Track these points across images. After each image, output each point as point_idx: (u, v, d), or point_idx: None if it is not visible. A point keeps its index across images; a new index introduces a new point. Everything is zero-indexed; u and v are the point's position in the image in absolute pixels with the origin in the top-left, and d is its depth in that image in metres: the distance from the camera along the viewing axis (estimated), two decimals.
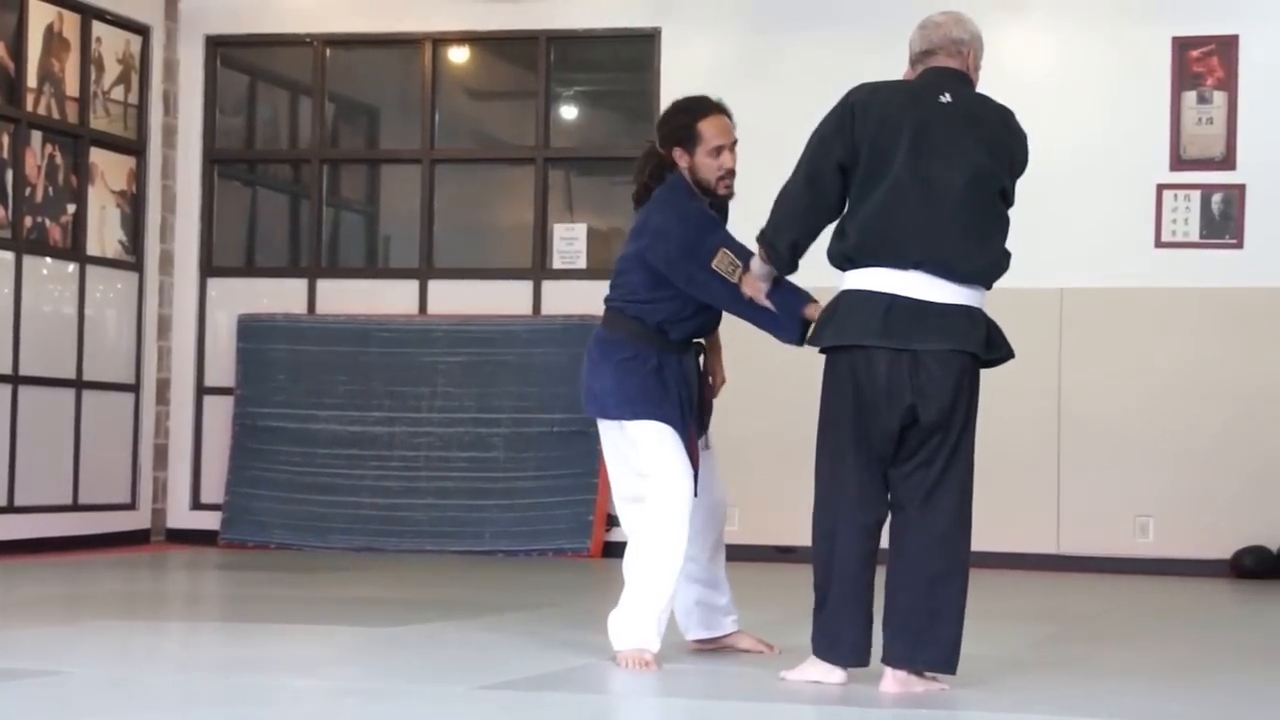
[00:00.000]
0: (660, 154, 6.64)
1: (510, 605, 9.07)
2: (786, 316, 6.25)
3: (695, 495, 6.42)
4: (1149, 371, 12.59)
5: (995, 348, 5.82)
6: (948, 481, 5.74)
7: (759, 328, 6.38)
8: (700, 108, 6.63)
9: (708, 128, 6.55)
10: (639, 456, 6.44)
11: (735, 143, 6.62)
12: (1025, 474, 12.60)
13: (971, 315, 5.73)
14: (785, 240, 5.92)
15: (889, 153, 5.74)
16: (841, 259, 5.82)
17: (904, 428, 5.73)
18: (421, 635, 7.49)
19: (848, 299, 5.79)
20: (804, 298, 6.27)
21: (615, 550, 12.37)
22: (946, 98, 5.83)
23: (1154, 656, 7.33)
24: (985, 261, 5.75)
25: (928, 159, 5.73)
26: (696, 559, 6.62)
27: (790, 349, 6.42)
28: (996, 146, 5.84)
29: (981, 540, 11.98)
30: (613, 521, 12.91)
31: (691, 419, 6.53)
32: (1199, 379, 12.50)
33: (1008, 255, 5.84)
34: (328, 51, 14.29)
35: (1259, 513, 12.32)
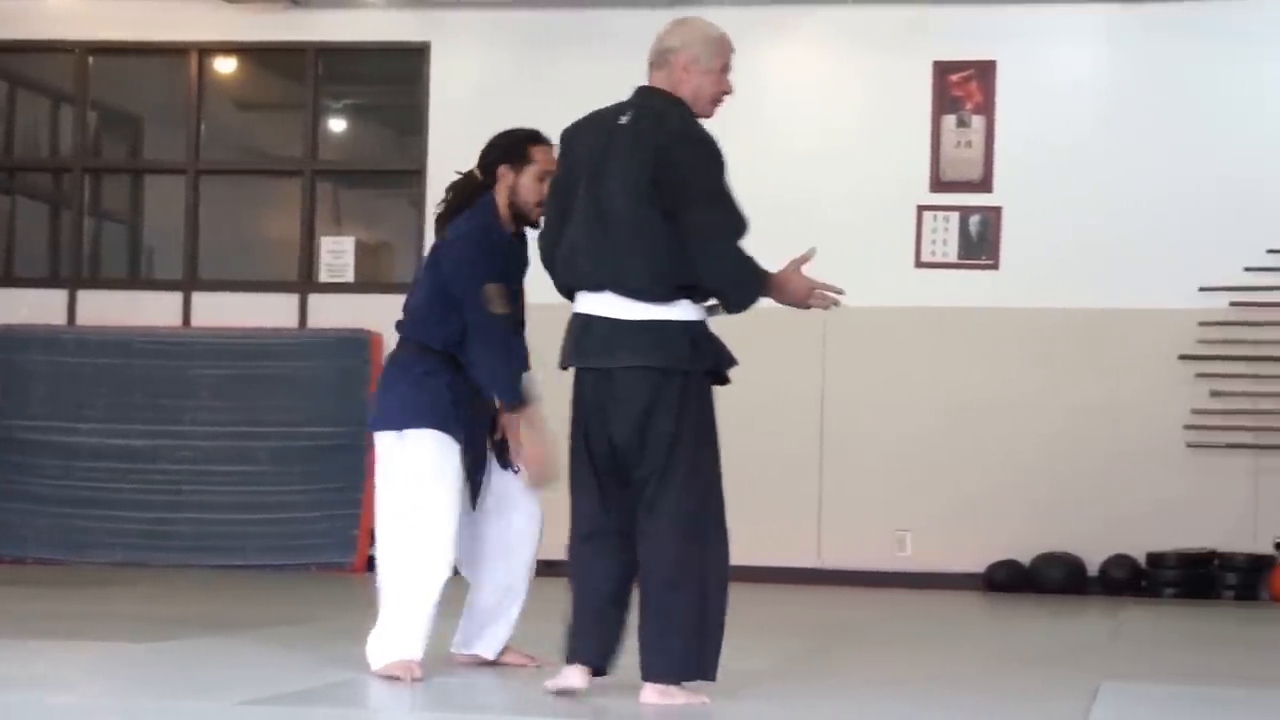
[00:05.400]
0: (476, 180, 6.70)
1: (272, 620, 9.00)
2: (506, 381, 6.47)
3: (474, 509, 6.55)
4: (909, 389, 12.84)
5: (697, 358, 5.78)
6: (665, 492, 5.76)
7: (476, 376, 6.51)
8: (537, 135, 6.73)
9: (540, 153, 6.65)
10: (410, 464, 6.46)
11: None
12: (787, 488, 12.79)
13: (663, 329, 5.75)
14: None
15: (575, 185, 5.90)
16: (560, 291, 6.00)
17: (620, 443, 5.79)
18: (181, 651, 7.41)
19: (569, 323, 5.96)
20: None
21: None
22: (624, 119, 5.88)
23: (909, 667, 7.48)
24: (655, 275, 5.74)
25: (600, 184, 5.83)
26: (484, 586, 6.70)
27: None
28: (651, 156, 5.79)
29: (742, 554, 12.13)
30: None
31: (488, 440, 6.60)
32: (956, 396, 12.78)
33: (677, 260, 5.74)
34: (91, 59, 14.07)
35: (1011, 527, 12.63)
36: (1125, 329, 12.70)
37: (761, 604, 10.68)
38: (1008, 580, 12.54)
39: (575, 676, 5.86)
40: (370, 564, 12.74)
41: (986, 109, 12.94)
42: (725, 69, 6.00)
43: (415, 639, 6.37)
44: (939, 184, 12.94)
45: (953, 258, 12.91)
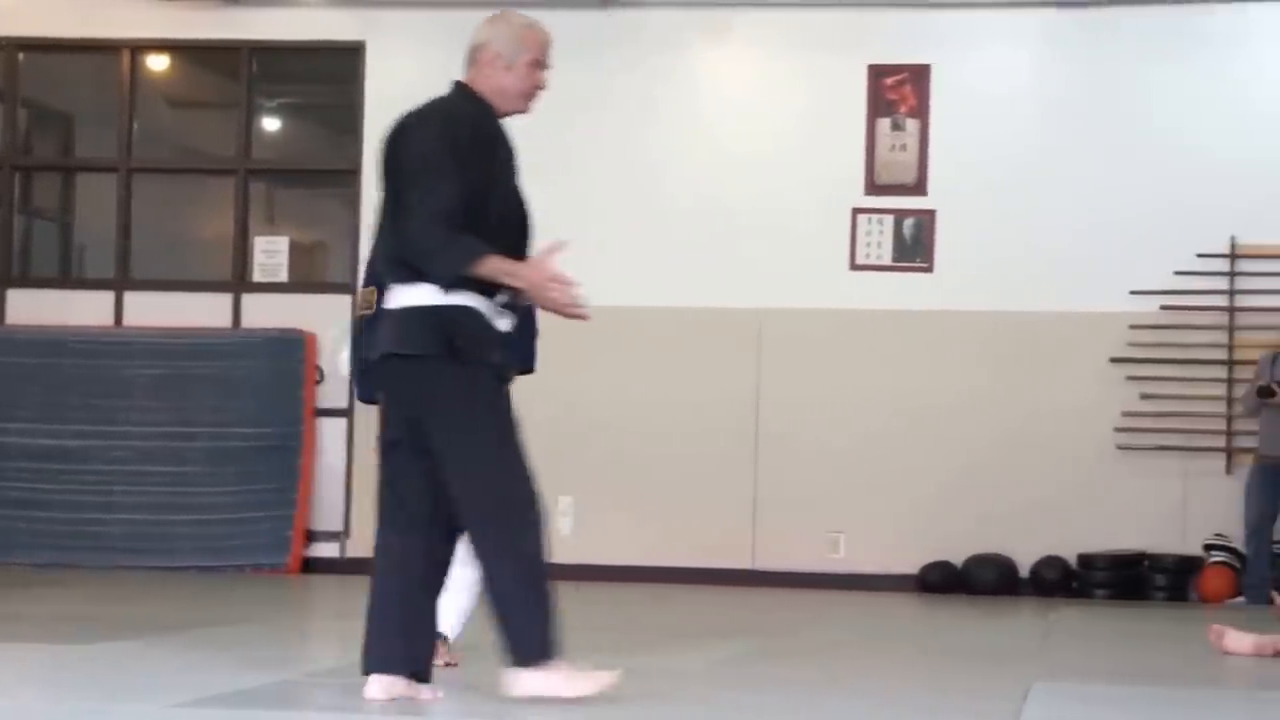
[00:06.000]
0: None
1: (205, 622, 8.97)
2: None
3: None
4: (843, 391, 12.89)
5: (435, 343, 5.62)
6: (454, 484, 5.67)
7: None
8: None
9: None
10: None
11: None
12: (721, 490, 12.81)
13: (405, 316, 5.69)
14: None
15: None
16: None
17: (400, 434, 5.75)
18: (115, 653, 7.37)
19: None
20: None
21: (314, 566, 12.32)
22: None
23: (842, 668, 7.50)
24: (394, 260, 5.72)
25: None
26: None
27: None
28: (394, 149, 5.86)
29: (676, 555, 12.19)
30: (312, 537, 12.83)
31: None
32: (890, 398, 12.84)
33: (401, 242, 5.67)
34: (21, 56, 13.97)
35: (943, 529, 12.70)
36: (1057, 332, 12.79)
37: (695, 605, 10.70)
38: (940, 581, 12.61)
39: (376, 689, 5.67)
40: (305, 565, 12.78)
41: (921, 113, 13.00)
42: (536, 64, 5.90)
43: None
44: (873, 187, 13.00)
45: (887, 260, 12.97)
